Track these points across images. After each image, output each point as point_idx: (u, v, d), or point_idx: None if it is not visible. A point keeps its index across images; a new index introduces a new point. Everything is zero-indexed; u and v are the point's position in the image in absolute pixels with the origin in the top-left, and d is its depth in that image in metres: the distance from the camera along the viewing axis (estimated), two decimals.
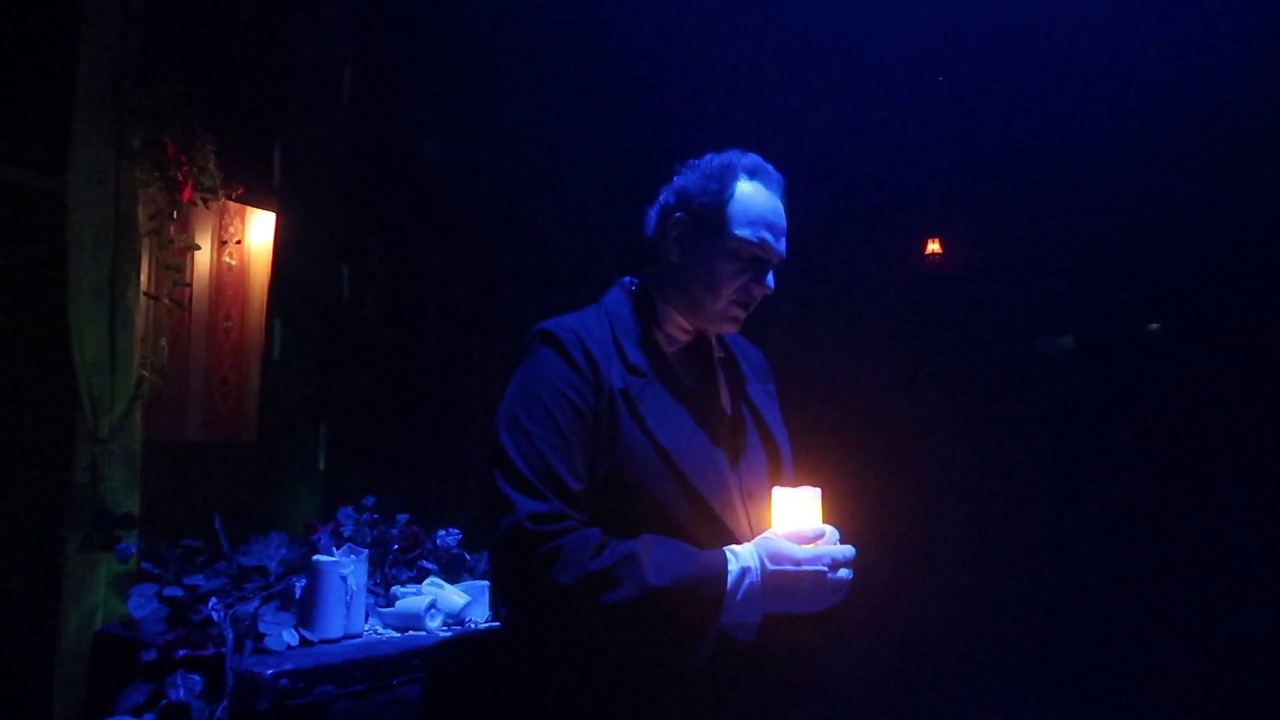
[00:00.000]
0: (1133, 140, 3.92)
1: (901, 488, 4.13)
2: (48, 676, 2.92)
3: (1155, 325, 4.15)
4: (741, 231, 1.79)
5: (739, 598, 1.59)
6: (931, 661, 4.03)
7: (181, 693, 1.86)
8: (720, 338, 2.00)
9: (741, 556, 1.62)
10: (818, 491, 1.72)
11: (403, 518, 2.68)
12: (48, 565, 3.09)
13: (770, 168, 1.88)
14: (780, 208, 1.87)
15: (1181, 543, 3.86)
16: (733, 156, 1.86)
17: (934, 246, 4.54)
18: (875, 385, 4.32)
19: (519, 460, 1.60)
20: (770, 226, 1.82)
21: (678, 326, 1.86)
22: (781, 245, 1.85)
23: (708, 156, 1.88)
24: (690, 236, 1.83)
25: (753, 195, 1.83)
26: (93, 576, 2.99)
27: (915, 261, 4.58)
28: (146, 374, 3.21)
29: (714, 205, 1.81)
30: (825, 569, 1.63)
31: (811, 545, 1.66)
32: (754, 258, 1.80)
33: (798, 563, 1.62)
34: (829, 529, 1.71)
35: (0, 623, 3.25)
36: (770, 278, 1.83)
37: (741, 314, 1.85)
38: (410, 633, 2.37)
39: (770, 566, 1.62)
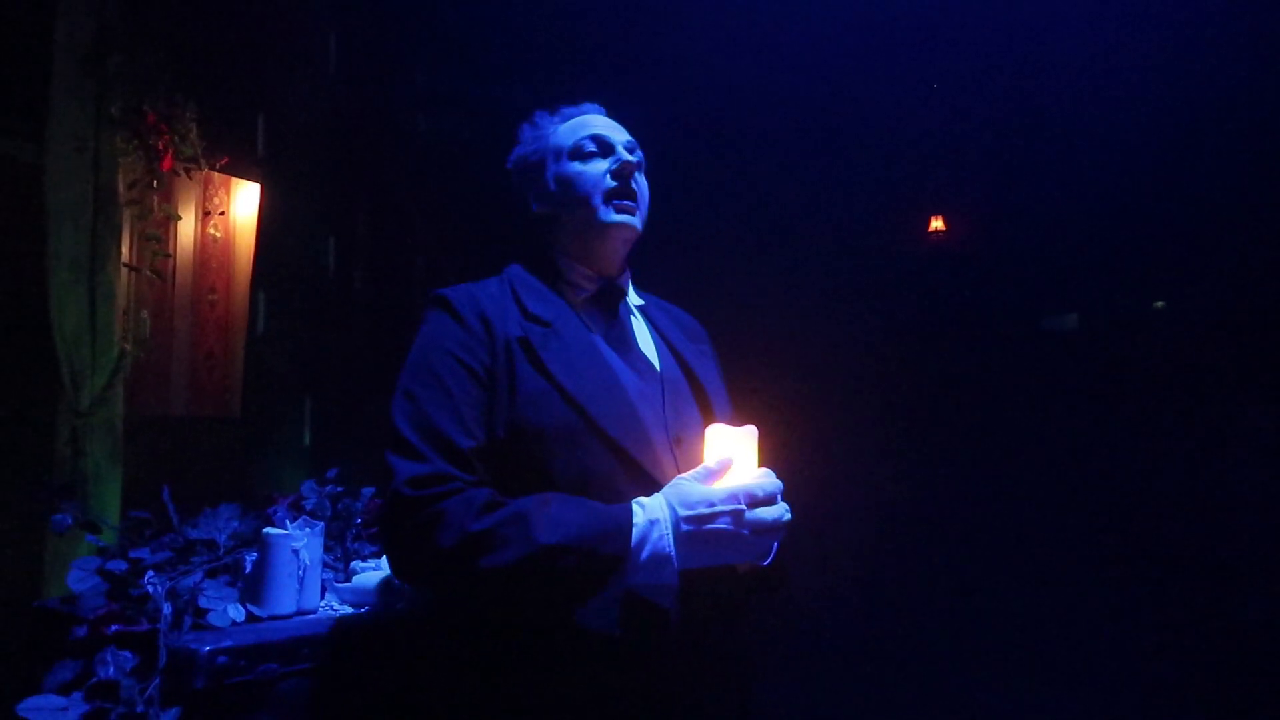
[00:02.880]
0: (1140, 117, 3.81)
1: (901, 468, 4.04)
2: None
3: (1160, 303, 4.02)
4: (570, 139, 1.83)
5: (645, 555, 1.46)
6: (901, 643, 3.93)
7: (111, 670, 1.79)
8: (640, 293, 1.97)
9: (649, 508, 1.50)
10: (754, 430, 1.59)
11: (368, 490, 2.60)
12: (30, 540, 3.08)
13: (585, 104, 1.93)
14: (604, 118, 1.90)
15: (1187, 526, 3.74)
16: (541, 115, 1.93)
17: (938, 224, 4.43)
18: (876, 362, 4.23)
19: (403, 425, 1.55)
20: (594, 125, 1.85)
21: (580, 275, 1.82)
22: (619, 133, 1.86)
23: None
24: (538, 181, 1.85)
25: (570, 122, 1.88)
26: (73, 552, 2.95)
27: (919, 238, 4.47)
28: (128, 346, 3.17)
29: (541, 147, 1.87)
30: (742, 507, 1.49)
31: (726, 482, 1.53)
32: (597, 149, 1.82)
33: (711, 504, 1.49)
34: (766, 471, 1.59)
35: None
36: (624, 152, 1.82)
37: (627, 204, 1.79)
38: (366, 609, 2.29)
39: (682, 512, 1.48)
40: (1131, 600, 3.76)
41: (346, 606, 2.29)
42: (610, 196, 1.78)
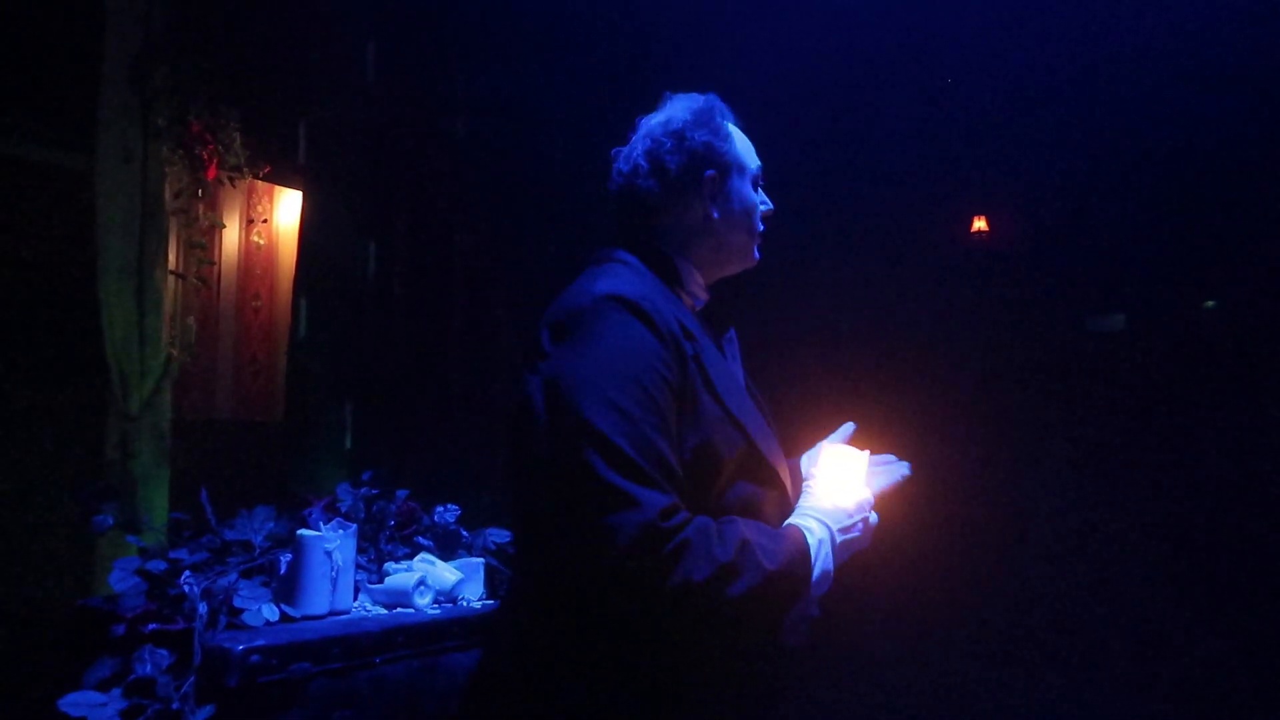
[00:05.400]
0: (1183, 115, 3.74)
1: (940, 471, 3.99)
2: None
3: (1211, 303, 3.94)
4: (752, 163, 1.83)
5: (817, 573, 1.55)
6: (956, 651, 3.88)
7: (148, 667, 1.84)
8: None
9: (813, 530, 1.58)
10: (867, 455, 1.73)
11: (402, 493, 2.64)
12: (81, 541, 3.16)
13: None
14: None
15: (1239, 530, 3.65)
16: (703, 100, 1.81)
17: (980, 224, 4.38)
18: (917, 365, 4.19)
19: (626, 445, 1.39)
20: (753, 151, 1.86)
21: (697, 285, 1.78)
22: None
23: (678, 107, 1.80)
24: (722, 188, 1.76)
25: (738, 132, 1.85)
26: (123, 553, 3.02)
27: (961, 239, 4.42)
28: (175, 352, 3.24)
29: (729, 150, 1.79)
30: (869, 514, 1.66)
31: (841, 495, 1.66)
32: (761, 183, 1.85)
33: (850, 515, 1.63)
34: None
35: (38, 597, 3.34)
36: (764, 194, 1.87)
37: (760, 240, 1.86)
38: (399, 610, 2.32)
39: (835, 527, 1.60)
40: (1185, 602, 3.69)
41: (379, 608, 2.33)
42: (759, 234, 1.83)
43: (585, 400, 1.41)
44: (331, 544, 2.21)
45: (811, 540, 1.55)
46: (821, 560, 1.55)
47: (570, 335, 1.50)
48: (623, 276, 1.61)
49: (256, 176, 3.49)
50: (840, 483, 1.67)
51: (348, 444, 3.66)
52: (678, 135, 1.75)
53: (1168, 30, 3.69)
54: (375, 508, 2.55)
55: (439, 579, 2.38)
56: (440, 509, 2.63)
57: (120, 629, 1.90)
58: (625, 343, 1.48)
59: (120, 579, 2.07)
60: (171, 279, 3.26)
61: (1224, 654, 3.52)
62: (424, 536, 2.57)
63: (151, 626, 1.90)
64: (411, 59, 3.97)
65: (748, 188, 1.79)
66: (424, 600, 2.34)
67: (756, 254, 1.83)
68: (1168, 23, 3.65)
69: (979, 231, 4.39)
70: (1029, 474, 4.06)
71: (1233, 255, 3.82)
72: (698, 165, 1.74)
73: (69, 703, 1.80)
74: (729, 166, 1.77)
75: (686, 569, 1.36)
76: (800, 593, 1.51)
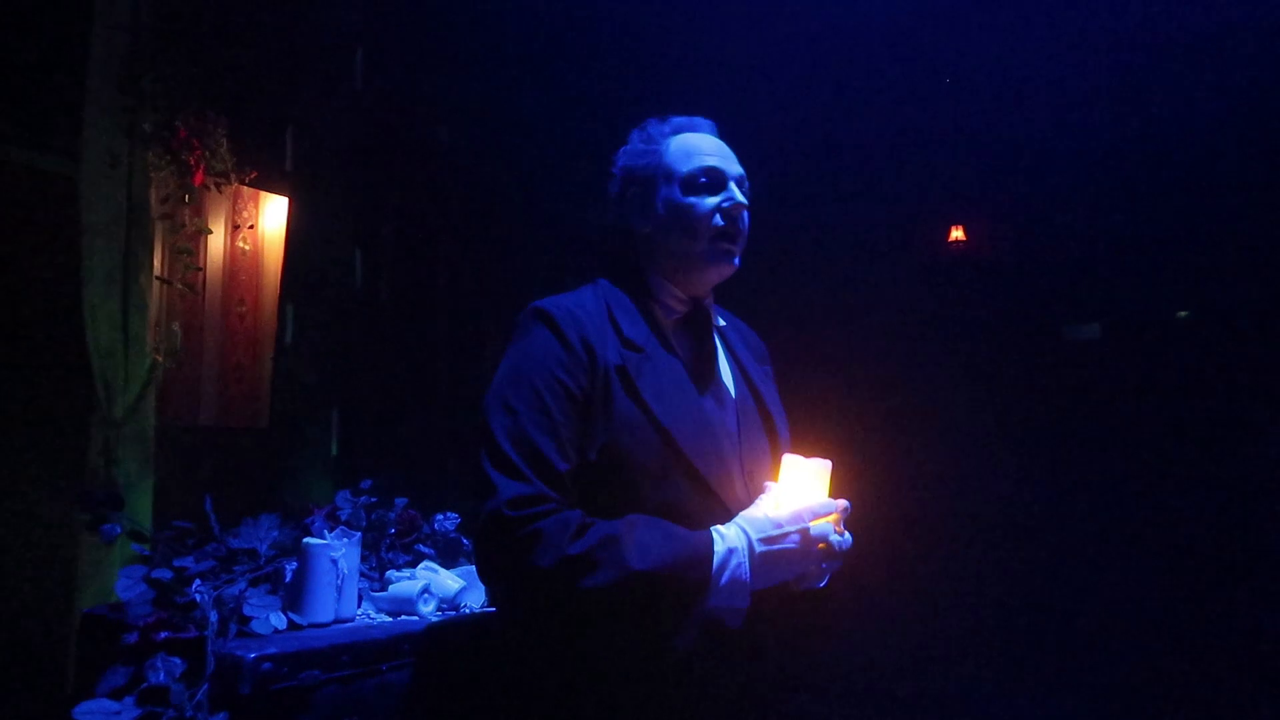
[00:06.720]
0: (1160, 126, 3.82)
1: (921, 478, 4.05)
2: (63, 656, 2.95)
3: (1184, 313, 4.03)
4: (685, 167, 1.82)
5: (724, 581, 1.54)
6: (940, 657, 3.94)
7: (161, 675, 1.84)
8: (716, 313, 1.97)
9: (727, 537, 1.58)
10: (828, 464, 1.68)
11: (401, 501, 2.65)
12: (64, 547, 3.13)
13: (697, 118, 1.91)
14: (716, 140, 1.89)
15: (1212, 537, 3.74)
16: (653, 123, 1.90)
17: (957, 233, 4.45)
18: (897, 373, 4.25)
19: (504, 441, 1.56)
20: (709, 154, 1.84)
21: (672, 296, 1.84)
22: (732, 165, 1.86)
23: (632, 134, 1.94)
24: (646, 200, 1.85)
25: (684, 140, 1.86)
26: (107, 559, 3.00)
27: (938, 248, 4.49)
28: (159, 358, 3.22)
29: (653, 164, 1.85)
30: (807, 525, 1.59)
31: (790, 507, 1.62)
32: (709, 182, 1.81)
33: (779, 525, 1.59)
34: (840, 503, 1.67)
35: (19, 603, 3.31)
36: (735, 191, 1.83)
37: (730, 246, 1.82)
38: (403, 617, 2.33)
39: (756, 537, 1.58)
40: (1173, 603, 3.76)
41: (383, 615, 2.34)
42: (717, 235, 1.80)
43: (490, 403, 1.62)
44: (337, 552, 2.22)
45: (719, 547, 1.56)
46: (731, 569, 1.54)
47: (507, 345, 1.72)
48: (578, 292, 1.80)
49: (243, 182, 3.48)
50: (791, 492, 1.64)
51: (333, 451, 3.66)
52: (612, 170, 1.93)
53: (1145, 41, 3.78)
54: (375, 516, 2.56)
55: (442, 587, 2.40)
56: (440, 517, 2.65)
57: (132, 637, 1.90)
58: (530, 350, 1.66)
59: (127, 587, 2.06)
60: (157, 284, 3.24)
61: (1213, 656, 3.59)
62: (425, 544, 2.58)
63: (163, 635, 1.90)
64: (398, 65, 3.97)
65: (676, 191, 1.81)
66: (428, 607, 2.35)
67: (715, 253, 1.80)
68: (1145, 33, 3.74)
69: (957, 240, 4.46)
70: (1008, 480, 4.13)
71: (1206, 265, 3.91)
72: (622, 189, 1.89)
73: (84, 711, 1.80)
74: (652, 179, 1.85)
75: (534, 557, 1.47)
76: (691, 596, 1.52)
